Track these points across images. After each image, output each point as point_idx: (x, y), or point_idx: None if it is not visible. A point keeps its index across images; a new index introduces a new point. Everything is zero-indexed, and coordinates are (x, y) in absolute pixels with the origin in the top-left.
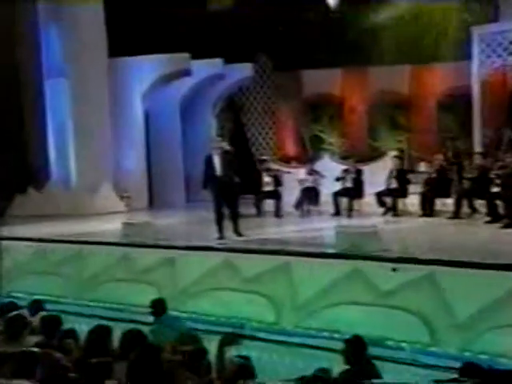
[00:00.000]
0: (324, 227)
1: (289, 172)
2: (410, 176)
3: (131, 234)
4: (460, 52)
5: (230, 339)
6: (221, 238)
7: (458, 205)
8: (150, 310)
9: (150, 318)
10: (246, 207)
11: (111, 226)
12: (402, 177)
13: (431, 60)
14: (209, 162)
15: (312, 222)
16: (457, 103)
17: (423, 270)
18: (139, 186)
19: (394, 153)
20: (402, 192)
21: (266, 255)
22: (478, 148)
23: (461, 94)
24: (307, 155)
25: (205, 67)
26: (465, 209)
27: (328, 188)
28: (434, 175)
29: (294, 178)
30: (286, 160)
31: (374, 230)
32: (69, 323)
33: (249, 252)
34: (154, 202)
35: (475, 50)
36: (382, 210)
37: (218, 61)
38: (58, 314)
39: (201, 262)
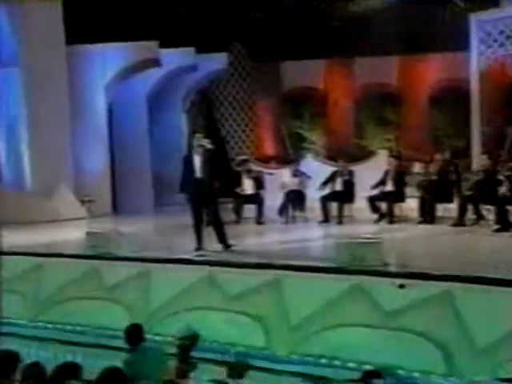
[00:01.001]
0: (314, 236)
1: (271, 173)
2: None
3: (97, 245)
4: (455, 41)
5: (239, 370)
6: (199, 249)
7: (461, 210)
8: (123, 337)
9: (118, 342)
10: (223, 213)
11: (73, 235)
12: (399, 179)
13: (423, 50)
14: (187, 161)
15: (300, 231)
16: (451, 98)
17: (436, 287)
18: (102, 189)
19: (384, 151)
20: (398, 196)
21: (253, 269)
22: (476, 147)
23: (456, 87)
24: (288, 155)
25: (175, 57)
26: (469, 215)
27: (314, 191)
28: (434, 177)
29: (278, 180)
30: (265, 160)
31: (377, 241)
32: (24, 349)
33: (233, 266)
34: (119, 206)
35: (473, 38)
36: (375, 216)
37: (189, 50)
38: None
39: (177, 278)
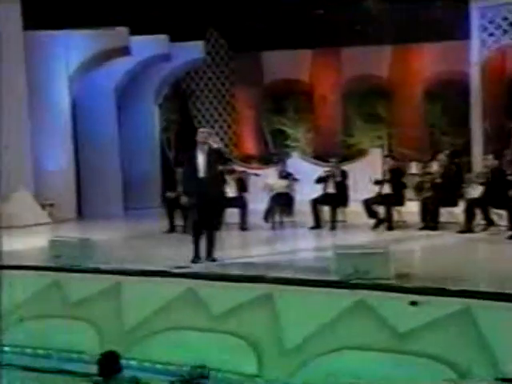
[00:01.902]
0: (307, 244)
1: (256, 174)
2: None
3: (61, 255)
4: (453, 29)
5: None
6: (196, 260)
7: (469, 215)
8: (96, 366)
9: (88, 368)
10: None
11: (33, 244)
12: (397, 180)
13: (417, 39)
14: (190, 159)
15: (290, 238)
16: (448, 92)
17: (453, 305)
18: (66, 192)
19: (377, 150)
20: (397, 199)
21: (240, 283)
22: (477, 145)
23: (453, 80)
24: (270, 154)
25: (146, 45)
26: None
27: (302, 194)
28: (438, 179)
29: (263, 182)
30: (245, 159)
31: (384, 251)
32: None
33: (217, 279)
34: (84, 211)
35: (474, 26)
36: (371, 221)
37: (162, 38)
38: None
39: (154, 293)
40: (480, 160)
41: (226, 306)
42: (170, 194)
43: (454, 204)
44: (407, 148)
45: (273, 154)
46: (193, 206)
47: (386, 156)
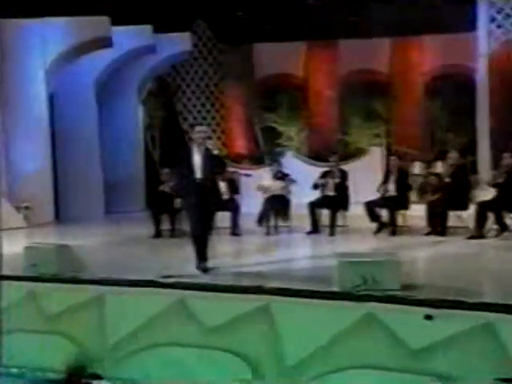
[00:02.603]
0: (307, 251)
1: (248, 175)
2: None
3: (38, 263)
4: (458, 21)
5: None
6: (205, 269)
7: (480, 220)
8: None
9: None
10: (185, 223)
11: (7, 251)
12: (402, 182)
13: (419, 32)
14: (184, 158)
15: (287, 244)
16: (450, 87)
17: (472, 319)
18: (42, 194)
19: (377, 149)
20: (402, 202)
21: (235, 294)
22: (483, 144)
23: (456, 75)
24: (262, 153)
25: (129, 37)
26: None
27: (299, 196)
28: (447, 179)
29: (257, 183)
30: (235, 159)
31: (394, 259)
32: None
33: (210, 289)
34: (63, 214)
35: (482, 16)
36: (373, 225)
37: (146, 29)
38: None
39: (141, 305)
40: (488, 159)
41: (219, 320)
42: (163, 187)
43: (465, 207)
44: (407, 147)
45: (264, 153)
46: (187, 209)
47: (390, 154)
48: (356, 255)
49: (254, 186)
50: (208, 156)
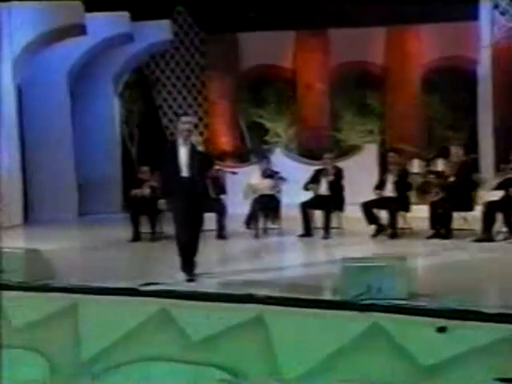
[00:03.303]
0: (302, 256)
1: (234, 172)
2: None
3: (5, 270)
4: (457, 8)
5: None
6: (191, 278)
7: (488, 221)
8: None
9: None
10: (168, 226)
11: None
12: (402, 181)
13: (416, 20)
14: (169, 153)
15: (278, 248)
16: (450, 80)
17: (492, 331)
18: (10, 195)
19: (372, 146)
20: (402, 202)
21: (224, 303)
22: (485, 140)
23: (455, 67)
24: (248, 150)
25: (104, 24)
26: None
27: (289, 196)
28: (451, 178)
29: (245, 182)
30: (219, 156)
31: (403, 264)
32: None
33: (198, 298)
34: (33, 216)
35: (484, 3)
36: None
37: (122, 16)
38: None
39: (118, 315)
40: (491, 157)
41: (207, 332)
42: (136, 192)
43: (470, 208)
44: (403, 144)
45: (251, 150)
46: (173, 211)
47: (388, 150)
48: (359, 260)
49: (242, 184)
50: (195, 152)
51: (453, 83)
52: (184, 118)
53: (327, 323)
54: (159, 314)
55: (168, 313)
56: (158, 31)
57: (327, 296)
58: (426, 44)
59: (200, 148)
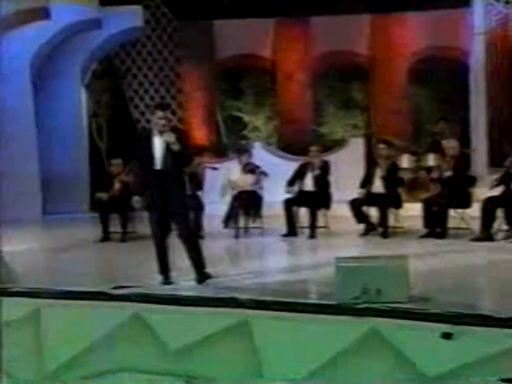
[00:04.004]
0: (285, 259)
1: (215, 168)
2: None
3: None
4: None
5: None
6: (166, 279)
7: (488, 219)
8: None
9: None
10: (142, 224)
11: None
12: (393, 175)
13: (403, 7)
14: (143, 144)
15: (260, 249)
16: (439, 71)
17: (503, 338)
18: None
19: (358, 140)
20: (394, 199)
21: (204, 307)
22: (478, 134)
23: (445, 57)
24: (225, 145)
25: (70, 8)
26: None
27: (271, 193)
28: (447, 173)
29: (225, 178)
30: (195, 151)
31: (402, 264)
32: None
33: (176, 303)
34: None
35: None
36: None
37: (90, 0)
38: None
39: (87, 322)
40: (484, 152)
41: (186, 339)
42: (101, 196)
43: (467, 205)
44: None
45: (227, 146)
46: (147, 209)
47: (379, 141)
48: (354, 260)
49: (219, 180)
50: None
51: (442, 75)
52: (159, 113)
53: (319, 329)
54: (132, 320)
55: (142, 319)
56: (129, 18)
57: (318, 300)
58: (414, 33)
59: (176, 147)
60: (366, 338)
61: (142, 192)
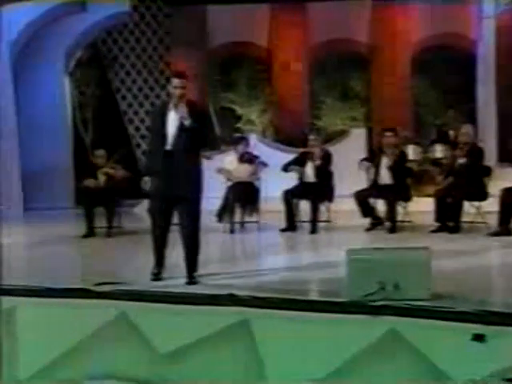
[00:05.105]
0: (286, 255)
1: (208, 157)
2: None
3: None
4: None
5: None
6: (158, 274)
7: (506, 212)
8: None
9: None
10: (129, 219)
11: None
12: (401, 166)
13: None
14: (158, 117)
15: (258, 244)
16: (443, 60)
17: None
18: None
19: (360, 131)
20: (402, 191)
21: (200, 306)
22: (486, 127)
23: (451, 46)
24: (217, 137)
25: None
26: None
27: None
28: (461, 160)
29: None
30: None
31: (424, 256)
32: None
33: (166, 301)
34: None
35: None
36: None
37: None
38: None
39: (68, 321)
40: (493, 145)
41: (178, 341)
42: (89, 183)
43: (484, 197)
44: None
45: (220, 139)
46: (151, 195)
47: (385, 130)
48: (369, 252)
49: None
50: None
51: (447, 63)
52: (174, 81)
53: (330, 330)
54: (118, 320)
55: (128, 318)
56: (116, 3)
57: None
58: (418, 20)
59: (187, 122)
60: (385, 340)
61: (149, 173)
